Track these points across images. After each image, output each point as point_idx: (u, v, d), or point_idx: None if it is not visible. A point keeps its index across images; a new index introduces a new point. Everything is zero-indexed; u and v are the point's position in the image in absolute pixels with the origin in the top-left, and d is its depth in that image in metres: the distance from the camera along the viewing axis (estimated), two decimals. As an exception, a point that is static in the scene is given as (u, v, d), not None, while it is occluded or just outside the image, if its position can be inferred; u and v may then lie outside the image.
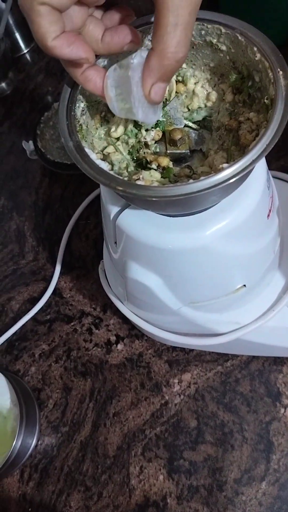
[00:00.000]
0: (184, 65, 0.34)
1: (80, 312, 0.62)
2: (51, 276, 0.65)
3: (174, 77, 0.34)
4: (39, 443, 0.56)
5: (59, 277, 0.64)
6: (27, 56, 0.87)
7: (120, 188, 0.27)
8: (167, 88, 0.34)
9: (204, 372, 0.56)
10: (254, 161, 0.26)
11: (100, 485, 0.52)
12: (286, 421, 0.52)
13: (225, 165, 0.26)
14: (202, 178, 0.26)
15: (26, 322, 0.62)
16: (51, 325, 0.62)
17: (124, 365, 0.58)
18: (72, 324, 0.61)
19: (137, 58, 0.27)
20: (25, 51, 0.87)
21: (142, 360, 0.58)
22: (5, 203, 0.72)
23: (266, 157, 0.67)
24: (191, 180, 0.26)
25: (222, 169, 0.26)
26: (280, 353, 0.52)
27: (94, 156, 0.28)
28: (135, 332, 0.59)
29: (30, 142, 0.70)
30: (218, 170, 0.26)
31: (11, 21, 0.80)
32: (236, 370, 0.55)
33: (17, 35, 0.84)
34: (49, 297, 0.63)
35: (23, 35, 0.85)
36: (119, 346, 0.59)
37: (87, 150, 0.28)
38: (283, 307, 0.45)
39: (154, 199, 0.26)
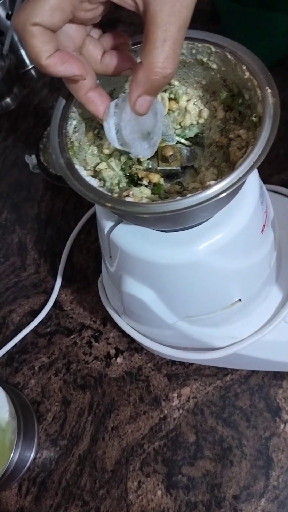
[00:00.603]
0: (176, 83, 0.34)
1: (80, 325, 0.62)
2: (52, 289, 0.65)
3: (167, 94, 0.35)
4: (37, 456, 0.56)
5: (60, 290, 0.65)
6: (32, 71, 0.88)
7: (109, 205, 0.27)
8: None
9: (204, 387, 0.55)
10: (241, 178, 0.26)
11: (97, 499, 0.52)
12: (286, 436, 0.52)
13: (212, 182, 0.26)
14: (189, 195, 0.26)
15: (27, 334, 0.62)
16: (51, 337, 0.62)
17: (123, 379, 0.58)
18: (72, 337, 0.62)
19: None
20: (30, 67, 0.88)
21: (141, 374, 0.58)
22: (8, 216, 0.73)
23: (266, 171, 0.67)
24: (178, 197, 0.26)
25: (210, 186, 0.26)
26: (278, 368, 0.52)
27: (84, 173, 0.29)
28: (134, 346, 0.59)
29: (33, 156, 0.71)
30: (206, 187, 0.26)
31: (16, 38, 0.82)
32: (236, 385, 0.55)
33: (22, 52, 0.86)
34: (50, 309, 0.64)
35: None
36: (119, 360, 0.59)
37: (77, 167, 0.29)
38: (281, 321, 0.44)
39: (142, 215, 0.27)
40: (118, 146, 0.29)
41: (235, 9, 0.74)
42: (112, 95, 0.34)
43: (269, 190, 0.55)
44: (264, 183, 0.61)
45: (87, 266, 0.66)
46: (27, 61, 0.88)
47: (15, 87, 0.83)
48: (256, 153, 0.26)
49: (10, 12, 0.79)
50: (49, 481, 0.54)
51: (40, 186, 0.74)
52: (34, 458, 0.55)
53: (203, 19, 0.82)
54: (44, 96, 0.84)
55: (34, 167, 0.72)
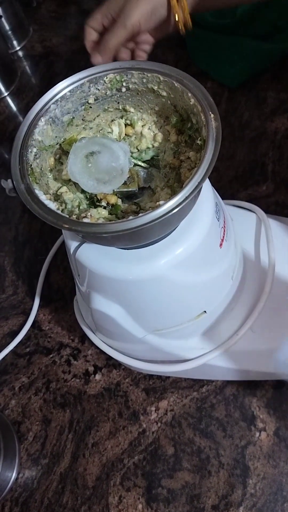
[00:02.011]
0: (132, 110, 0.37)
1: (59, 344, 0.63)
2: (30, 309, 0.66)
3: (123, 120, 0.37)
4: (19, 476, 0.56)
5: (38, 310, 0.66)
6: (8, 98, 0.91)
7: (67, 226, 0.29)
8: (117, 131, 0.37)
9: (180, 399, 0.57)
10: (188, 197, 0.28)
11: (79, 517, 0.53)
12: (261, 444, 0.53)
13: (161, 201, 0.28)
14: (141, 214, 0.28)
15: (6, 355, 0.63)
16: (31, 357, 0.63)
17: (102, 395, 0.59)
18: (51, 356, 0.63)
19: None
20: (5, 94, 0.91)
21: (119, 389, 0.59)
22: (-14, 240, 0.75)
23: (234, 187, 0.70)
24: (131, 217, 0.28)
25: (159, 205, 0.28)
26: (250, 377, 0.53)
27: (44, 197, 0.30)
28: (112, 362, 0.60)
29: (9, 180, 0.73)
30: (156, 207, 0.28)
31: (-9, 67, 0.85)
32: (212, 396, 0.56)
33: (-3, 80, 0.88)
34: (28, 330, 0.65)
35: (2, 79, 0.89)
36: (97, 376, 0.60)
37: (37, 191, 0.31)
38: (247, 331, 0.46)
39: (98, 235, 0.29)
40: (73, 179, 0.32)
41: (200, 34, 0.77)
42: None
43: (235, 205, 0.58)
44: (232, 199, 0.63)
45: (64, 285, 0.67)
46: (2, 89, 0.90)
47: (-9, 115, 0.85)
48: (200, 173, 0.28)
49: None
50: (31, 501, 0.54)
51: (17, 209, 0.76)
52: (16, 478, 0.56)
53: (170, 45, 0.86)
54: (19, 123, 0.86)
55: (10, 191, 0.73)
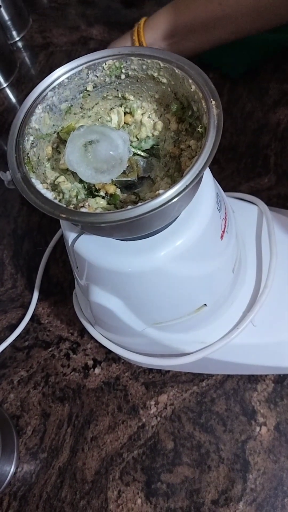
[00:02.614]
0: (131, 97, 0.36)
1: (58, 337, 0.63)
2: (29, 303, 0.65)
3: (122, 108, 0.36)
4: (18, 470, 0.56)
5: (37, 303, 0.65)
6: (7, 90, 0.90)
7: (64, 216, 0.28)
8: (116, 119, 0.36)
9: (180, 393, 0.56)
10: (188, 186, 0.27)
11: (78, 511, 0.52)
12: (262, 439, 0.52)
13: (161, 191, 0.27)
14: (140, 203, 0.27)
15: (5, 349, 0.63)
16: (30, 351, 0.62)
17: (101, 389, 0.58)
18: (50, 349, 0.62)
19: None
20: (4, 85, 0.90)
21: (119, 383, 0.58)
22: (-15, 233, 0.74)
23: (236, 180, 0.69)
24: (129, 206, 0.27)
25: (159, 194, 0.27)
26: (250, 371, 0.53)
27: (40, 186, 0.30)
28: (112, 356, 0.60)
29: (8, 172, 0.72)
30: (156, 196, 0.27)
31: (-10, 58, 0.84)
32: (212, 390, 0.56)
33: (-4, 71, 0.87)
34: (27, 323, 0.64)
35: (1, 70, 0.88)
36: (97, 370, 0.60)
37: (33, 180, 0.30)
38: (248, 324, 0.46)
39: (96, 224, 0.28)
40: (70, 168, 0.31)
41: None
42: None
43: (237, 198, 0.57)
44: (234, 191, 0.63)
45: (64, 278, 0.67)
46: (1, 80, 0.89)
47: (-11, 106, 0.84)
48: (201, 161, 0.28)
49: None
50: (30, 495, 0.54)
51: (16, 202, 0.75)
52: (15, 473, 0.55)
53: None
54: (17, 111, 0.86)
55: (9, 183, 0.73)
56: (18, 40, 0.98)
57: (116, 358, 0.60)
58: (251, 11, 0.64)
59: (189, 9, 0.67)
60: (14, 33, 0.97)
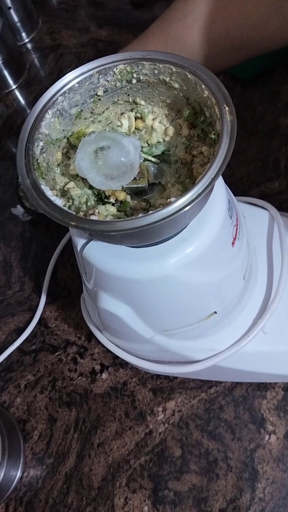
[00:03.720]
0: (142, 102, 0.35)
1: (65, 341, 0.62)
2: (37, 306, 0.65)
3: (133, 113, 0.35)
4: (24, 475, 0.55)
5: (44, 307, 0.65)
6: (16, 91, 0.90)
7: (73, 223, 0.28)
8: (127, 124, 0.35)
9: (188, 400, 0.56)
10: (201, 194, 0.27)
11: (84, 518, 0.52)
12: (271, 448, 0.52)
13: (173, 198, 0.27)
14: (151, 212, 0.27)
15: (12, 352, 0.62)
16: (37, 355, 0.62)
17: (108, 394, 0.58)
18: (57, 353, 0.62)
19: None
20: (14, 87, 0.90)
21: (126, 389, 0.58)
22: (-7, 235, 0.74)
23: (246, 184, 0.68)
24: (140, 214, 0.27)
25: (170, 202, 0.27)
26: (260, 379, 0.52)
27: (50, 193, 0.29)
28: (119, 361, 0.59)
29: (18, 206, 0.71)
30: (167, 204, 0.27)
31: (-1, 60, 0.84)
32: (220, 397, 0.55)
33: (6, 72, 0.87)
34: (35, 327, 0.64)
35: (11, 72, 0.88)
36: (104, 375, 0.59)
37: (43, 187, 0.29)
38: (259, 332, 0.45)
39: (106, 233, 0.27)
40: (80, 174, 0.31)
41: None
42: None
43: (247, 202, 0.56)
44: (244, 195, 0.62)
45: (71, 282, 0.66)
46: (11, 82, 0.89)
47: (-1, 108, 0.84)
48: (214, 169, 0.27)
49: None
50: (36, 500, 0.54)
51: (24, 204, 0.75)
52: (21, 477, 0.55)
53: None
54: (27, 116, 0.86)
55: (24, 216, 0.72)
56: (28, 41, 0.98)
57: (124, 363, 0.59)
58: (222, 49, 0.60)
59: (166, 43, 0.62)
60: (23, 34, 0.97)
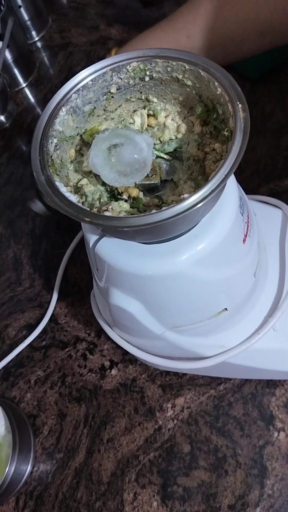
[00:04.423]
0: (155, 100, 0.36)
1: (75, 337, 0.63)
2: (47, 302, 0.66)
3: (146, 111, 0.36)
4: (34, 469, 0.56)
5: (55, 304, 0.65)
6: (26, 90, 0.90)
7: (87, 219, 0.28)
8: (139, 121, 0.36)
9: (197, 396, 0.56)
10: (214, 190, 0.27)
11: (94, 512, 0.52)
12: (280, 445, 0.52)
13: (186, 195, 0.27)
14: (164, 208, 0.27)
15: (23, 349, 0.63)
16: (47, 351, 0.63)
17: (118, 390, 0.58)
18: (67, 350, 0.62)
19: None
20: (24, 85, 0.90)
21: (135, 385, 0.58)
22: (3, 232, 0.74)
23: (256, 182, 0.68)
24: (154, 210, 0.27)
25: (184, 199, 0.27)
26: (270, 376, 0.52)
27: (64, 189, 0.30)
28: (128, 357, 0.60)
29: (36, 200, 0.67)
30: (180, 200, 0.27)
31: (9, 58, 0.84)
32: (229, 394, 0.55)
33: (16, 70, 0.88)
34: (46, 323, 0.64)
35: (21, 70, 0.88)
36: (113, 371, 0.60)
37: (57, 183, 0.30)
38: (269, 330, 0.45)
39: (119, 229, 0.28)
40: (94, 170, 0.31)
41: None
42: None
43: (257, 200, 0.56)
44: (253, 193, 0.62)
45: (81, 279, 0.67)
46: (21, 80, 0.90)
47: (8, 105, 0.85)
48: (227, 166, 0.27)
49: (1, 33, 0.81)
50: (46, 495, 0.54)
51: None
52: (31, 472, 0.56)
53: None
54: (37, 114, 0.86)
55: (44, 213, 0.68)
56: (38, 40, 0.98)
57: (133, 360, 0.60)
58: (217, 45, 0.61)
59: (160, 40, 0.63)
60: (33, 33, 0.98)
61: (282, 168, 0.68)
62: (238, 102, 0.29)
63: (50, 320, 0.65)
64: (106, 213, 0.30)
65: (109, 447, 0.55)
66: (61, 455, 0.56)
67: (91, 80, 0.33)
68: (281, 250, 0.48)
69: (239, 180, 0.39)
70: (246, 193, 0.42)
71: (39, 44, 0.99)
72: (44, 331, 0.64)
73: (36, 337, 0.64)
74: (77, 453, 0.56)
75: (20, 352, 0.63)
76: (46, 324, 0.64)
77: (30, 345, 0.63)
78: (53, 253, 0.70)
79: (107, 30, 0.96)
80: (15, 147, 0.83)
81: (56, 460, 0.56)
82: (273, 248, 0.49)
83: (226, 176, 0.27)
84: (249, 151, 0.70)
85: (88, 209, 0.29)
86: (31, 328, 0.64)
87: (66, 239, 0.70)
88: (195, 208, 0.27)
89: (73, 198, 0.29)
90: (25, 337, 0.64)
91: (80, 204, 0.29)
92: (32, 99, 0.89)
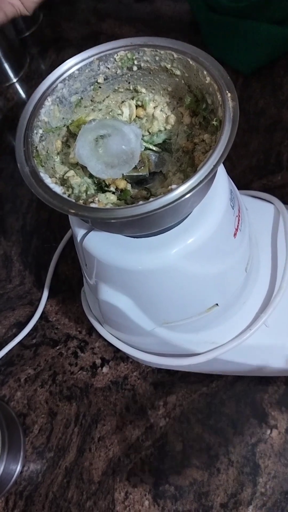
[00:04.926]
0: (143, 90, 0.35)
1: (66, 335, 0.62)
2: (37, 300, 0.65)
3: (134, 101, 0.35)
4: (24, 469, 0.55)
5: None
6: (16, 85, 0.89)
7: (72, 211, 0.27)
8: (128, 112, 0.35)
9: (189, 394, 0.55)
10: (202, 181, 0.26)
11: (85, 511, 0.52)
12: (273, 442, 0.51)
13: (174, 186, 0.26)
14: (151, 199, 0.26)
15: (13, 347, 0.62)
16: (37, 349, 0.62)
17: (109, 388, 0.57)
18: (57, 347, 0.61)
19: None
20: (14, 80, 0.89)
21: (127, 383, 0.57)
22: (-7, 229, 0.73)
23: (248, 177, 0.68)
24: (141, 202, 0.26)
25: (171, 190, 0.26)
26: (262, 373, 0.51)
27: (49, 180, 0.29)
28: (120, 355, 0.59)
29: None
30: (168, 191, 0.26)
31: (-1, 53, 0.83)
32: (221, 391, 0.55)
33: (6, 65, 0.87)
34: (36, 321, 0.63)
35: (11, 65, 0.87)
36: (104, 369, 0.59)
37: (42, 174, 0.29)
38: (261, 325, 0.44)
39: (105, 220, 0.27)
40: (80, 162, 0.30)
41: (213, 19, 0.75)
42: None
43: (250, 195, 0.56)
44: (246, 189, 0.61)
45: (72, 276, 0.66)
46: (11, 75, 0.88)
47: (-1, 101, 0.84)
48: (216, 156, 0.26)
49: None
50: (36, 495, 0.53)
51: (25, 199, 0.74)
52: (21, 471, 0.55)
53: (183, 30, 0.84)
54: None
55: None
56: (28, 34, 0.97)
57: (125, 357, 0.59)
58: None
59: None
60: (24, 27, 0.96)
61: (275, 163, 0.67)
62: (227, 91, 0.28)
63: (41, 317, 0.64)
64: (92, 205, 0.29)
65: (100, 446, 0.54)
66: (52, 454, 0.55)
67: (78, 69, 0.33)
68: (273, 245, 0.48)
69: (232, 176, 0.38)
70: (239, 189, 0.42)
71: (30, 38, 0.97)
72: (34, 329, 0.63)
73: (26, 335, 0.63)
74: (68, 452, 0.55)
75: (10, 350, 0.62)
76: (37, 322, 0.63)
77: (20, 343, 0.62)
78: (43, 251, 0.69)
79: (99, 24, 0.95)
80: (6, 142, 0.82)
81: (47, 459, 0.55)
82: (265, 243, 0.49)
83: (215, 166, 0.26)
84: (241, 147, 0.69)
85: (74, 200, 0.28)
86: (21, 326, 0.63)
87: (57, 236, 0.69)
88: (183, 199, 0.26)
89: (58, 189, 0.28)
90: (15, 335, 0.63)
91: (65, 196, 0.28)
92: (22, 94, 0.88)
